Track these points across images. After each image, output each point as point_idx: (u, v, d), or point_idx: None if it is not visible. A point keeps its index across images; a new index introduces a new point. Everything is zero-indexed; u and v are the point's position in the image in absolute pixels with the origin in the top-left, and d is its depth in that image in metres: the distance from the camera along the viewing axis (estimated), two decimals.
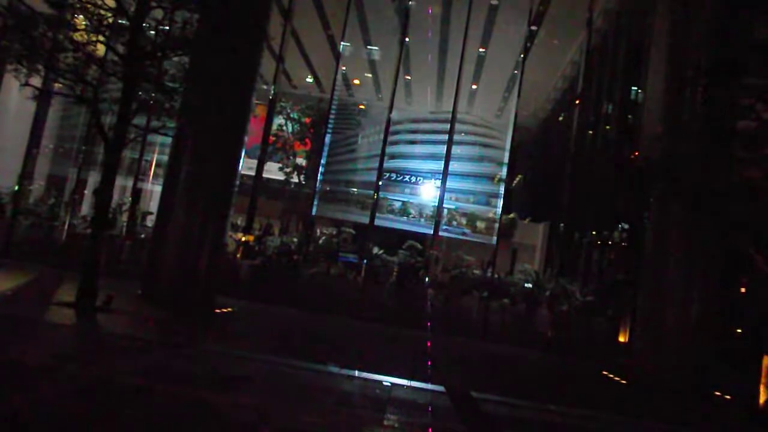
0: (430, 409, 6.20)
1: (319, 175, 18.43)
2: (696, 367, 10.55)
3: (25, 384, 4.99)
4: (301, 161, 21.17)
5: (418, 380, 7.28)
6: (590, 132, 18.83)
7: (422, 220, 18.25)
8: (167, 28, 9.44)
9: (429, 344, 11.98)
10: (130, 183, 16.98)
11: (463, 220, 18.59)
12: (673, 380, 10.40)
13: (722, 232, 10.68)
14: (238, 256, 15.37)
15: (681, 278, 10.90)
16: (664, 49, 12.10)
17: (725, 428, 8.43)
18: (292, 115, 20.89)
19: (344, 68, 19.80)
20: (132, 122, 9.26)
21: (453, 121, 17.63)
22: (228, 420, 4.80)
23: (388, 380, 7.07)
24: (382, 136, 17.55)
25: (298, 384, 6.42)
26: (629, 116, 16.59)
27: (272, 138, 19.65)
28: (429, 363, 9.48)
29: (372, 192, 17.62)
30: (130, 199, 16.40)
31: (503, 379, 9.57)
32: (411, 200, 18.78)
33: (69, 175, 18.81)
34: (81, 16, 8.64)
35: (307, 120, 21.00)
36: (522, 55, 18.12)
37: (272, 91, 18.27)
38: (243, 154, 12.44)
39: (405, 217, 18.32)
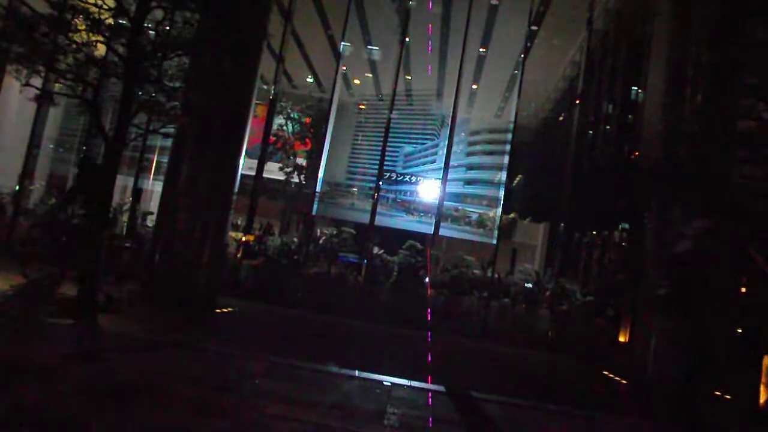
0: (430, 409, 6.20)
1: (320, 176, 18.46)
2: (696, 367, 10.54)
3: (25, 384, 4.99)
4: (301, 161, 21.16)
5: (418, 380, 7.29)
6: (590, 132, 18.83)
7: (423, 218, 18.28)
8: (167, 28, 9.44)
9: (429, 344, 11.98)
10: (130, 183, 16.99)
11: (464, 220, 18.62)
12: (673, 380, 10.39)
13: (723, 232, 10.67)
14: (238, 256, 15.38)
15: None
16: (664, 49, 12.10)
17: (725, 428, 8.43)
18: (292, 115, 20.87)
19: (344, 68, 19.83)
20: (132, 122, 9.27)
21: (453, 121, 17.66)
22: (229, 420, 4.81)
23: (388, 380, 7.07)
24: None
25: (297, 383, 6.42)
26: (629, 116, 16.60)
27: (272, 138, 19.64)
28: (429, 363, 9.49)
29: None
30: (130, 199, 16.41)
31: (503, 379, 9.57)
32: (413, 200, 18.83)
33: (70, 175, 18.83)
34: (81, 17, 8.64)
35: (307, 120, 21.00)
36: (522, 55, 18.13)
37: (272, 91, 18.27)
38: (243, 154, 12.45)
39: (408, 215, 18.37)
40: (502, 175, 18.77)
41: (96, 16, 8.43)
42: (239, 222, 16.77)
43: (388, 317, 13.85)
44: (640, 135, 13.33)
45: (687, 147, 10.52)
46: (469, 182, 19.40)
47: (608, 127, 18.44)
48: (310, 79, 23.69)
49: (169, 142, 12.80)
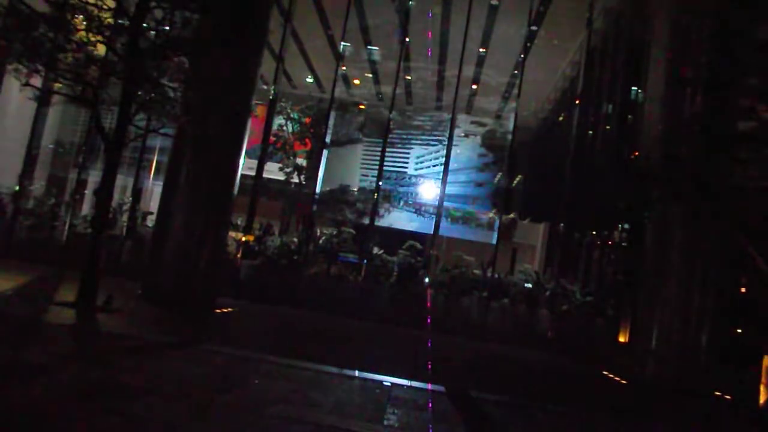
0: (430, 409, 6.20)
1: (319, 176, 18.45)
2: (696, 368, 10.56)
3: (25, 384, 4.99)
4: (301, 161, 21.15)
5: (418, 380, 7.28)
6: (590, 132, 18.81)
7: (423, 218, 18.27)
8: (167, 28, 9.44)
9: (429, 344, 11.98)
10: (130, 183, 16.98)
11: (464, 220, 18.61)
12: (673, 380, 10.40)
13: (722, 232, 10.69)
14: (238, 256, 15.37)
15: (681, 278, 10.90)
16: (664, 49, 12.09)
17: (725, 428, 8.43)
18: (292, 115, 20.86)
19: (344, 68, 19.84)
20: (132, 122, 9.27)
21: (453, 121, 17.66)
22: (228, 419, 4.81)
23: (388, 380, 7.07)
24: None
25: (297, 384, 6.42)
26: (629, 116, 16.58)
27: (272, 138, 19.64)
28: (429, 363, 9.48)
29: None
30: (130, 199, 16.41)
31: (503, 379, 9.57)
32: (411, 201, 18.84)
33: (69, 175, 18.83)
34: (81, 16, 8.64)
35: (307, 120, 20.99)
36: (522, 55, 18.13)
37: (272, 91, 18.28)
38: (243, 154, 12.45)
39: (410, 213, 18.37)
40: (502, 176, 18.76)
41: (96, 15, 8.42)
42: (239, 222, 16.76)
43: (388, 317, 13.85)
44: (640, 135, 13.31)
45: (687, 147, 10.51)
46: (468, 182, 19.39)
47: (608, 127, 18.43)
48: (310, 79, 23.68)
49: (169, 142, 12.79)
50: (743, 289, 13.67)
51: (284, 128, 20.83)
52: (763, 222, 9.56)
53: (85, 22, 8.54)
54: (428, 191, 18.92)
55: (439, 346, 11.92)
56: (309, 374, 6.94)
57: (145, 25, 9.05)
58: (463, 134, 19.58)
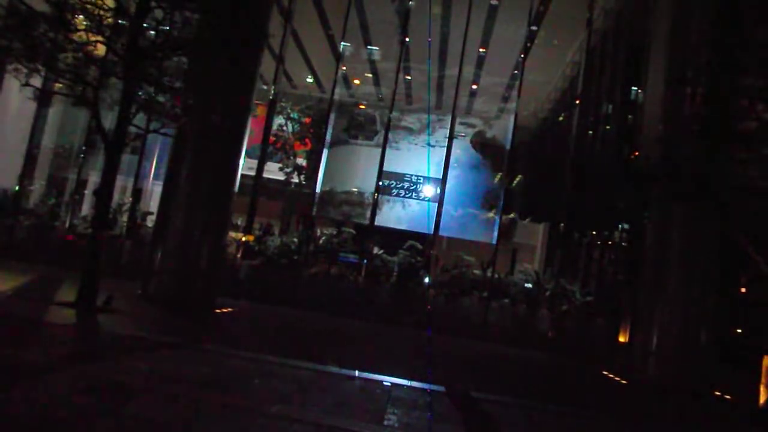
0: (430, 409, 6.20)
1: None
2: (696, 368, 10.55)
3: (25, 384, 4.99)
4: (301, 161, 21.15)
5: (418, 380, 7.28)
6: (590, 132, 18.82)
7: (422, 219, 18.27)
8: (167, 28, 9.44)
9: (429, 345, 11.98)
10: (130, 183, 16.98)
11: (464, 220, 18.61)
12: (673, 380, 10.40)
13: (722, 233, 10.69)
14: (238, 256, 15.38)
15: (681, 278, 10.90)
16: (664, 49, 12.10)
17: (725, 428, 8.43)
18: (292, 115, 20.87)
19: (344, 68, 19.84)
20: (132, 122, 9.27)
21: (453, 121, 17.66)
22: (228, 419, 4.80)
23: (388, 380, 7.07)
24: None
25: (297, 384, 6.42)
26: (629, 116, 16.59)
27: (272, 138, 19.65)
28: (429, 363, 9.48)
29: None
30: (130, 199, 16.41)
31: (503, 379, 9.57)
32: (411, 200, 18.85)
33: (69, 175, 18.82)
34: (81, 16, 8.64)
35: (307, 120, 20.99)
36: (522, 55, 18.13)
37: (272, 91, 18.28)
38: (243, 154, 12.45)
39: (410, 213, 18.38)
40: (502, 176, 18.77)
41: (96, 14, 8.42)
42: (239, 222, 16.76)
43: (388, 317, 13.85)
44: (640, 135, 13.31)
45: (687, 147, 10.51)
46: (469, 182, 19.38)
47: (608, 127, 18.43)
48: (310, 79, 23.68)
49: (169, 142, 12.80)
50: (743, 289, 13.68)
51: (284, 128, 20.83)
52: (763, 222, 9.56)
53: (85, 22, 8.54)
54: (428, 191, 18.93)
55: (439, 347, 11.92)
56: (309, 374, 6.94)
57: (145, 25, 9.05)
58: (463, 134, 19.58)
